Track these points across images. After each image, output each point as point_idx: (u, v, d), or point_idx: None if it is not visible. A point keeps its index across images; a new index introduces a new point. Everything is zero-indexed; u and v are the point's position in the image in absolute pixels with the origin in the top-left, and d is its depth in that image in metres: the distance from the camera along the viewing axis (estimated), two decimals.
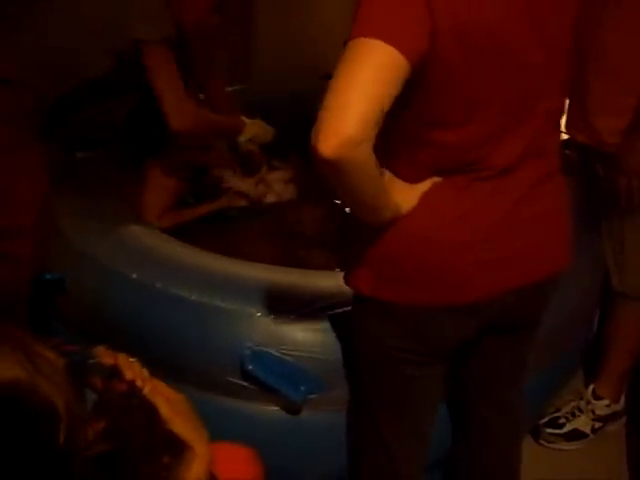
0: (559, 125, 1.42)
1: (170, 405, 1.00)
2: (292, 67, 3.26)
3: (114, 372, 0.99)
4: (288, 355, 1.71)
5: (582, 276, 1.94)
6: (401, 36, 1.11)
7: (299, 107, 2.22)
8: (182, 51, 2.25)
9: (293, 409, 1.75)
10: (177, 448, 1.00)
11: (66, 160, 2.40)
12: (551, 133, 1.38)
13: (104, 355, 1.00)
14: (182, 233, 2.19)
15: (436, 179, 1.32)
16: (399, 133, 1.30)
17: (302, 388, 1.69)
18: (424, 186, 1.32)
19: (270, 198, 2.60)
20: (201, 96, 2.51)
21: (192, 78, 2.39)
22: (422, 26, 1.13)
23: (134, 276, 1.85)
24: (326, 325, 1.71)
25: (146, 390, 0.99)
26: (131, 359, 1.02)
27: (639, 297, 2.18)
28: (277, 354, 1.71)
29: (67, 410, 0.82)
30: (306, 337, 1.72)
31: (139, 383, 0.99)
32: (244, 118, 2.46)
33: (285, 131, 2.48)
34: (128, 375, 0.99)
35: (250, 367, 1.69)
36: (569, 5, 1.30)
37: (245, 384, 1.74)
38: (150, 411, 0.99)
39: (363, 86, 1.09)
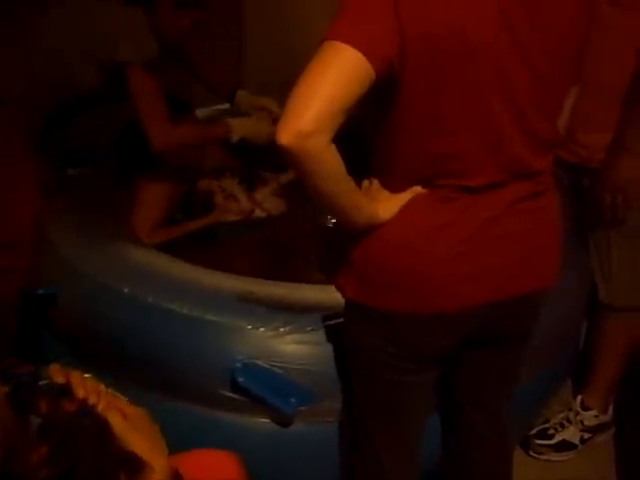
0: (549, 147, 1.41)
1: (126, 421, 0.97)
2: (283, 78, 3.28)
3: (64, 391, 0.96)
4: (279, 367, 1.72)
5: (569, 288, 1.96)
6: (368, 42, 1.18)
7: None
8: (168, 63, 2.33)
9: (284, 421, 1.76)
10: (133, 466, 0.97)
11: (58, 176, 2.42)
12: (539, 155, 1.38)
13: (55, 374, 0.97)
14: (173, 249, 2.21)
15: (417, 189, 1.35)
16: (381, 142, 1.35)
17: (293, 400, 1.70)
18: (405, 196, 1.36)
19: (259, 213, 2.62)
20: None
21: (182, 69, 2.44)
22: (390, 34, 1.19)
23: (126, 291, 1.86)
24: (316, 337, 1.73)
25: (100, 407, 0.97)
26: (86, 375, 1.00)
27: (625, 309, 2.20)
28: (268, 366, 1.73)
29: (5, 439, 0.81)
30: (296, 349, 1.74)
31: (92, 400, 0.96)
32: (230, 120, 2.41)
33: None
34: (79, 393, 0.96)
35: (241, 380, 1.71)
36: (562, 25, 1.30)
37: (236, 397, 1.75)
38: (103, 429, 0.96)
39: (325, 86, 1.17)
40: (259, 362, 1.73)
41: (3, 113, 2.18)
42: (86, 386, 0.98)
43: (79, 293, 1.99)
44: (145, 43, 2.23)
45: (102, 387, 1.00)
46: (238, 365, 1.72)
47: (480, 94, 1.26)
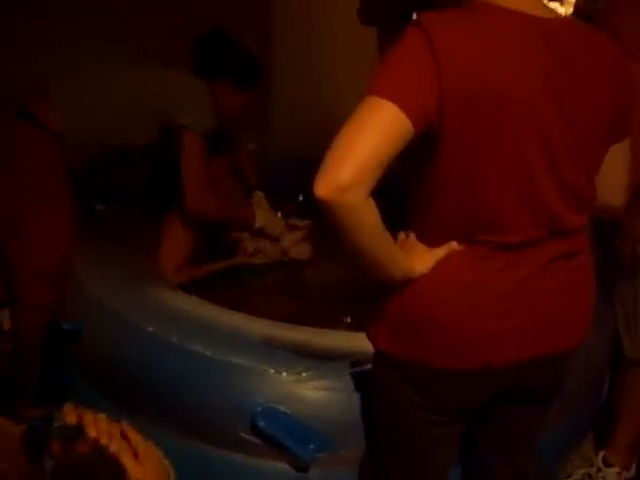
0: (585, 205, 1.42)
1: (137, 462, 0.97)
2: (306, 126, 3.35)
3: (77, 432, 0.96)
4: (299, 413, 1.72)
5: (591, 340, 1.94)
6: (408, 99, 1.20)
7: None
8: (220, 137, 2.49)
9: (302, 467, 1.75)
10: None
11: (87, 212, 2.46)
12: (575, 213, 1.39)
13: (68, 414, 0.97)
14: (197, 287, 2.23)
15: (454, 245, 1.36)
16: (418, 196, 1.37)
17: (311, 446, 1.69)
18: (442, 251, 1.37)
19: (285, 258, 2.65)
20: None
21: (229, 157, 2.67)
22: (430, 91, 1.21)
23: (150, 329, 1.88)
24: (338, 384, 1.73)
25: (113, 448, 0.97)
26: (99, 415, 1.00)
27: None
28: (288, 412, 1.72)
29: None
30: (317, 396, 1.73)
31: (104, 441, 0.96)
32: (255, 208, 2.66)
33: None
34: (92, 433, 0.96)
35: (261, 423, 1.70)
36: (600, 89, 1.33)
37: (255, 440, 1.75)
38: (115, 470, 0.96)
39: (364, 140, 1.19)
40: (280, 407, 1.72)
41: (56, 147, 2.25)
42: (99, 426, 0.98)
43: (103, 329, 2.00)
44: (206, 113, 2.35)
45: (115, 427, 1.00)
46: (259, 409, 1.72)
47: (518, 151, 1.28)
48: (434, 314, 1.37)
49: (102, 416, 1.00)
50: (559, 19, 1.36)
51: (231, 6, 2.94)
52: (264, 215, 2.64)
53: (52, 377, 2.22)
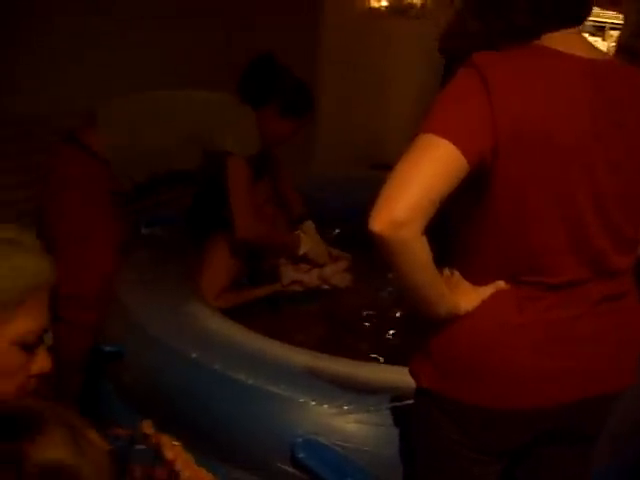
0: (632, 246, 1.41)
1: None
2: (351, 155, 3.38)
3: (157, 457, 1.00)
4: (339, 446, 1.71)
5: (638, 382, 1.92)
6: (464, 137, 1.22)
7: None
8: (263, 162, 2.52)
9: None
10: None
11: (132, 235, 2.50)
12: (621, 254, 1.39)
13: (148, 437, 1.02)
14: (236, 313, 2.24)
15: (501, 284, 1.36)
16: (465, 235, 1.37)
17: None
18: (488, 290, 1.37)
19: (325, 286, 2.66)
20: None
21: (271, 182, 2.68)
22: (485, 130, 1.23)
23: (193, 356, 1.88)
24: (379, 418, 1.72)
25: (186, 475, 1.01)
26: (174, 442, 1.04)
27: None
28: (328, 444, 1.72)
29: None
30: (358, 429, 1.72)
31: (178, 467, 1.00)
32: (301, 232, 2.67)
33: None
34: (169, 455, 1.00)
35: (301, 455, 1.70)
36: None
37: (294, 472, 1.74)
38: None
39: (420, 177, 1.20)
40: (320, 439, 1.72)
41: (101, 171, 2.30)
42: (175, 451, 1.02)
43: (145, 353, 2.02)
44: (252, 139, 2.37)
45: (188, 456, 1.04)
46: (299, 440, 1.72)
47: (566, 192, 1.29)
48: (480, 354, 1.37)
49: (177, 444, 1.05)
50: (606, 60, 1.37)
51: (278, 37, 2.98)
52: (309, 241, 2.65)
53: (92, 400, 2.24)
